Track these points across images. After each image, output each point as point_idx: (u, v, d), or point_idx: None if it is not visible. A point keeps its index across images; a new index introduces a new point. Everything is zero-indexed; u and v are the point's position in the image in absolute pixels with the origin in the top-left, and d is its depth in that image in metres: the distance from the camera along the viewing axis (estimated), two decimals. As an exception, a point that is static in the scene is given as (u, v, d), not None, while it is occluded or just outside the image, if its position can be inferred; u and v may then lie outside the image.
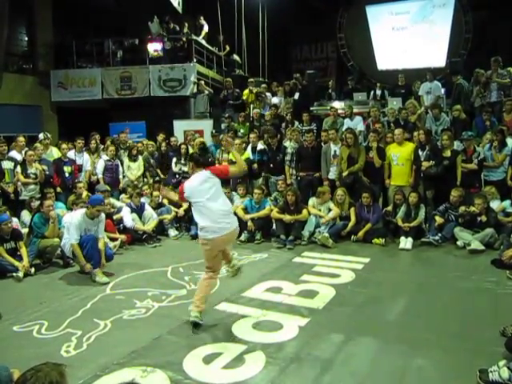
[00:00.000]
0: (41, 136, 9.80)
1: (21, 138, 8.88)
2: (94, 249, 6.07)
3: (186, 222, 8.60)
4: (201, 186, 4.55)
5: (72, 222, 6.13)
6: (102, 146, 9.88)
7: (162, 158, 9.75)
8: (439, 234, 7.25)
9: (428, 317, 4.59)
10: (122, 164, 9.38)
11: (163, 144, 9.86)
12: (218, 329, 4.39)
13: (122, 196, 8.85)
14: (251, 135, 9.41)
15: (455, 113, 9.45)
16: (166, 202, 8.75)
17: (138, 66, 13.96)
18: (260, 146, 9.11)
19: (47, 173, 8.40)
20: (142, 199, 8.32)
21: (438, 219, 7.36)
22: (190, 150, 9.58)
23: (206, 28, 14.92)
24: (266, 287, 5.44)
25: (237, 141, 9.20)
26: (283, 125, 10.73)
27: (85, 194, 8.16)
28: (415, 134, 8.38)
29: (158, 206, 8.47)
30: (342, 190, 7.93)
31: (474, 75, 10.29)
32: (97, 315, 4.78)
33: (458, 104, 9.79)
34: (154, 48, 14.03)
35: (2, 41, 12.11)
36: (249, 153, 9.12)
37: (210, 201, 4.51)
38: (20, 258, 6.30)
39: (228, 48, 15.70)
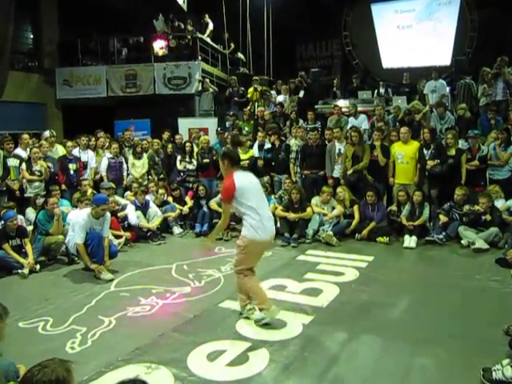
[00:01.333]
0: (47, 133, 9.83)
1: (25, 136, 8.93)
2: (100, 246, 6.11)
3: (190, 220, 8.64)
4: (252, 185, 4.39)
5: (78, 222, 6.14)
6: (107, 144, 9.89)
7: (169, 159, 9.65)
8: (443, 233, 7.24)
9: (432, 315, 4.59)
10: (126, 161, 9.41)
11: (169, 146, 9.73)
12: (222, 326, 4.40)
13: (127, 193, 8.87)
14: (259, 133, 9.43)
15: (460, 111, 9.42)
16: (170, 199, 8.78)
17: (143, 64, 13.97)
18: (267, 144, 9.12)
19: (52, 170, 8.46)
20: (147, 197, 8.34)
21: (443, 218, 7.35)
22: (195, 148, 9.61)
23: (210, 26, 14.92)
24: (270, 285, 5.44)
25: (242, 139, 9.22)
26: (287, 123, 10.73)
27: (90, 191, 8.18)
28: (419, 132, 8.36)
29: (162, 204, 8.49)
30: (342, 187, 7.95)
31: (480, 74, 10.25)
32: (101, 312, 4.80)
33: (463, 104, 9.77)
34: (159, 46, 14.05)
35: (8, 39, 12.15)
36: (254, 150, 9.14)
37: (261, 202, 4.38)
38: (25, 255, 6.34)
39: (233, 46, 15.71)
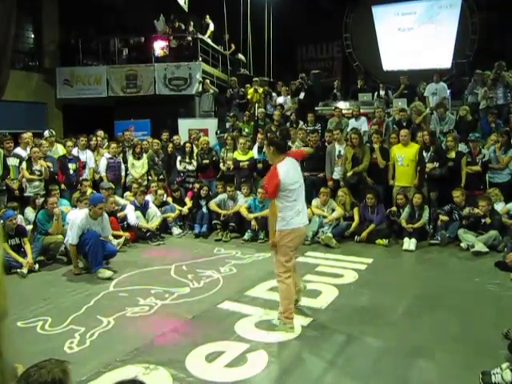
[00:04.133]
0: (46, 133, 9.83)
1: (25, 135, 8.92)
2: (98, 245, 6.10)
3: (189, 221, 8.63)
4: (298, 174, 4.41)
5: (75, 222, 6.13)
6: (106, 144, 9.89)
7: (169, 159, 9.64)
8: (444, 231, 7.25)
9: (431, 318, 4.58)
10: (125, 162, 9.39)
11: (170, 146, 9.72)
12: (221, 327, 4.39)
13: (127, 194, 8.86)
14: (258, 135, 9.41)
15: (462, 112, 9.44)
16: (170, 200, 8.77)
17: (144, 64, 13.96)
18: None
19: (52, 170, 8.44)
20: (147, 197, 8.33)
21: (443, 217, 7.36)
22: (195, 149, 9.61)
23: (211, 27, 14.93)
24: (269, 286, 5.42)
25: (241, 140, 9.21)
26: (287, 124, 10.73)
27: (89, 191, 8.17)
28: (419, 134, 8.36)
29: (161, 204, 8.48)
30: (343, 190, 7.94)
31: (481, 77, 10.27)
32: (100, 312, 4.80)
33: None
34: (159, 46, 14.05)
35: (10, 38, 12.15)
36: (254, 152, 9.13)
37: (300, 195, 4.38)
38: (24, 255, 6.34)
39: (233, 47, 15.72)
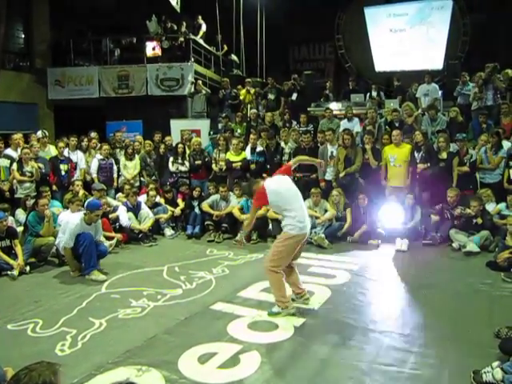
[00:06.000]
0: (39, 134, 9.76)
1: (15, 136, 8.85)
2: (92, 246, 6.06)
3: (182, 222, 8.61)
4: (289, 192, 4.75)
5: (68, 226, 6.07)
6: (99, 145, 9.84)
7: (161, 160, 9.59)
8: (438, 234, 7.27)
9: (423, 318, 4.60)
10: (117, 163, 9.34)
11: (162, 146, 9.67)
12: (214, 328, 4.39)
13: (119, 195, 8.81)
14: (251, 136, 9.39)
15: (452, 113, 9.50)
16: (162, 201, 8.74)
17: (136, 65, 13.91)
18: (259, 147, 9.10)
19: (43, 171, 8.38)
20: (139, 198, 8.29)
21: (434, 217, 7.38)
22: (187, 150, 9.58)
23: (203, 27, 14.90)
24: (262, 287, 5.42)
25: (234, 141, 9.20)
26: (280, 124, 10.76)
27: (81, 192, 8.13)
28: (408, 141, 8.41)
29: (154, 206, 8.45)
30: (338, 190, 7.95)
31: (473, 78, 10.34)
32: (92, 314, 4.77)
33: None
34: (151, 47, 14.01)
35: (0, 38, 12.06)
36: (247, 153, 9.11)
37: (299, 202, 4.75)
38: (15, 257, 6.27)
39: (226, 48, 15.71)
